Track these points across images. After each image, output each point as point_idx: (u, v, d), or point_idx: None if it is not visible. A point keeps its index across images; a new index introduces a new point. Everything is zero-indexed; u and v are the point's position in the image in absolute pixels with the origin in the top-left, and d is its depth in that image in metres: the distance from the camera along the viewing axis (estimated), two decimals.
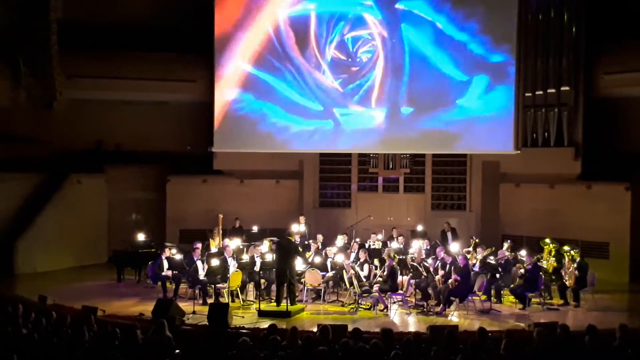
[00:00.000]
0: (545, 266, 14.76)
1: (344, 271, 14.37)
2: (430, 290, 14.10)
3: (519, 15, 18.10)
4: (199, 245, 15.41)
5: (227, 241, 15.87)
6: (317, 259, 15.04)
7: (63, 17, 19.59)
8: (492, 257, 15.12)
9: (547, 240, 15.39)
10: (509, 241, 16.23)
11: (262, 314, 13.34)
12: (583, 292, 14.41)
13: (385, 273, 14.02)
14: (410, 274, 14.34)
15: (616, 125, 18.36)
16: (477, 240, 15.99)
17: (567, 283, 14.55)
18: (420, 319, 13.31)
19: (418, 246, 15.82)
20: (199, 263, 14.61)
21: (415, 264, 14.25)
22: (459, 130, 18.54)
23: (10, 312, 9.54)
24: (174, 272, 15.06)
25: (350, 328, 9.25)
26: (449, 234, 17.73)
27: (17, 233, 18.37)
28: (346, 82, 19.14)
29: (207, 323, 12.05)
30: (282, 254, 13.99)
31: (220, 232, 16.62)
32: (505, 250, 15.44)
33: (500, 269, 14.67)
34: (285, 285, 13.75)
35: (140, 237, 17.71)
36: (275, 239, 15.54)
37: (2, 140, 18.73)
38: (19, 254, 18.11)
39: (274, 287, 14.89)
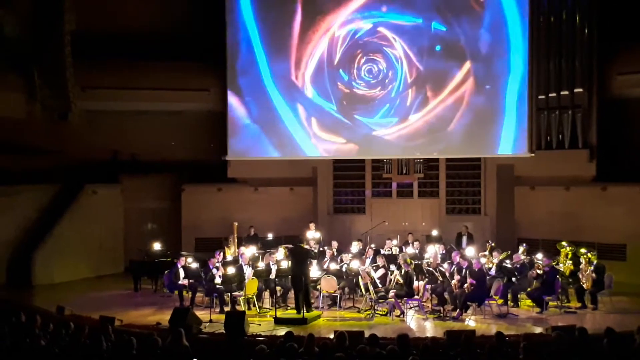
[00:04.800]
0: (562, 269, 14.70)
1: (359, 277, 14.34)
2: (446, 295, 14.05)
3: (531, 17, 18.05)
4: (219, 253, 15.46)
5: (242, 249, 15.90)
6: (333, 266, 15.03)
7: (77, 29, 19.69)
8: (508, 261, 15.05)
9: (564, 243, 15.36)
10: (524, 244, 16.15)
11: (278, 321, 13.34)
12: (600, 294, 14.33)
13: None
14: (426, 279, 14.30)
15: (631, 126, 18.24)
16: (493, 244, 15.91)
17: (584, 286, 14.46)
18: (437, 324, 13.27)
19: (433, 251, 15.76)
20: (214, 271, 14.63)
21: (431, 269, 14.21)
22: (472, 133, 18.50)
23: (28, 323, 9.62)
24: (190, 280, 15.12)
25: (366, 334, 9.24)
26: (464, 238, 17.68)
27: (34, 244, 18.50)
28: (359, 90, 19.16)
29: (224, 331, 12.08)
30: (297, 260, 13.98)
31: (236, 240, 16.65)
32: (521, 254, 15.33)
33: (516, 273, 14.61)
34: (302, 292, 13.74)
35: (156, 246, 17.81)
36: (290, 245, 15.55)
37: (17, 153, 18.88)
38: (36, 265, 18.24)
39: (290, 294, 14.90)
